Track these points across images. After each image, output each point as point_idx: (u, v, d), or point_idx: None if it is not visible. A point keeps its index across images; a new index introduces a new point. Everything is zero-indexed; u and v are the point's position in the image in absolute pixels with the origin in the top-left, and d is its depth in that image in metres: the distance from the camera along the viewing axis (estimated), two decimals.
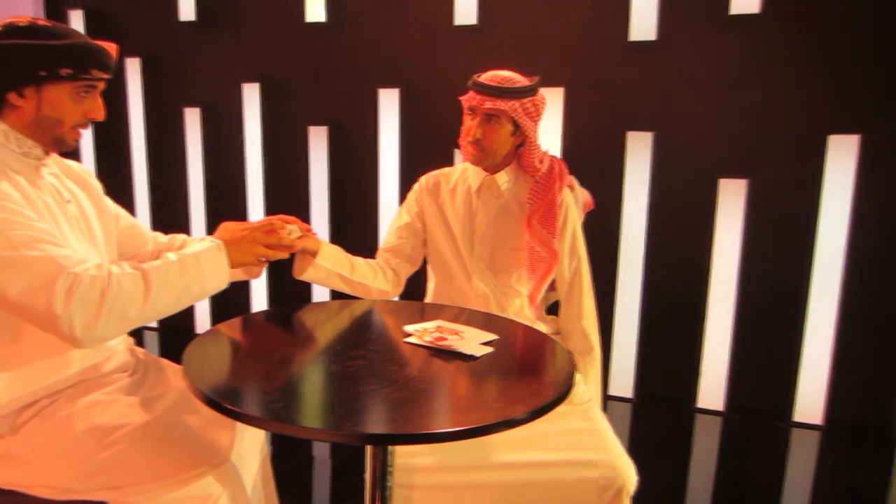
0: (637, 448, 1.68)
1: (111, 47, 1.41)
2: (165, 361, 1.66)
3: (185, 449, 1.37)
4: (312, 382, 1.26)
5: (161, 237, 1.77)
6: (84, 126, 1.43)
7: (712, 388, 2.98)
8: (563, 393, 1.20)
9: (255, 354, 1.44)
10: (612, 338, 3.07)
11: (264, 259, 1.56)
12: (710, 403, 2.99)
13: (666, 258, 2.98)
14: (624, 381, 3.10)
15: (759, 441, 2.79)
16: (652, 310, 3.03)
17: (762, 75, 2.75)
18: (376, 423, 1.07)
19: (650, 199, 2.94)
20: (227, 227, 1.57)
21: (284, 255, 1.62)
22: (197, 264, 1.37)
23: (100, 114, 1.42)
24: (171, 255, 1.36)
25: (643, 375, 3.09)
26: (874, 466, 2.59)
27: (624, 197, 2.96)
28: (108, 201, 1.65)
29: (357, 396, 1.16)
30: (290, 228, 1.65)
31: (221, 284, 1.43)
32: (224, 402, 1.09)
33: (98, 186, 1.62)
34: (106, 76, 1.40)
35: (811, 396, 2.85)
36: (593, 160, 2.94)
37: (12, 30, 1.32)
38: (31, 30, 1.32)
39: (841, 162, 2.68)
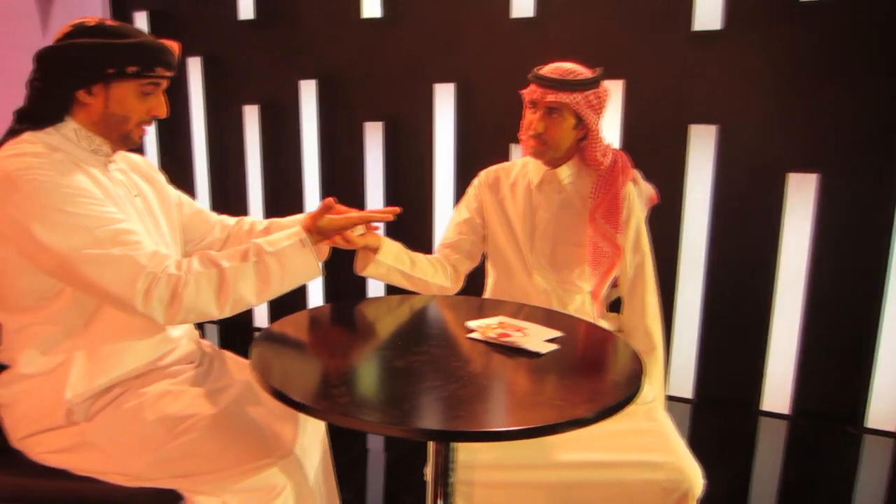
0: (695, 450, 1.63)
1: (174, 46, 1.44)
2: (228, 354, 1.69)
3: (251, 440, 1.39)
4: (377, 377, 1.26)
5: (228, 220, 1.80)
6: (148, 123, 1.46)
7: (778, 390, 2.88)
8: (631, 393, 1.16)
9: (320, 348, 1.45)
10: (672, 337, 2.99)
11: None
12: (776, 406, 2.89)
13: (729, 255, 2.90)
14: (683, 382, 3.02)
15: (829, 447, 2.68)
16: (713, 308, 2.95)
17: (834, 65, 2.64)
18: (442, 419, 1.06)
19: (713, 195, 2.86)
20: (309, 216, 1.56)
21: (350, 246, 1.64)
22: (279, 263, 1.39)
23: (163, 111, 1.46)
24: (252, 255, 1.38)
25: (703, 376, 3.01)
26: None
27: (685, 192, 2.88)
28: (171, 190, 1.69)
29: (422, 392, 1.16)
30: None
31: (309, 278, 1.45)
32: (291, 394, 1.10)
33: (161, 179, 1.66)
34: (169, 74, 1.43)
35: (886, 402, 2.72)
36: (654, 154, 2.87)
37: (82, 29, 1.36)
38: (99, 29, 1.36)
39: None
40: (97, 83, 1.37)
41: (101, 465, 1.37)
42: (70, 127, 1.40)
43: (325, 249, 1.58)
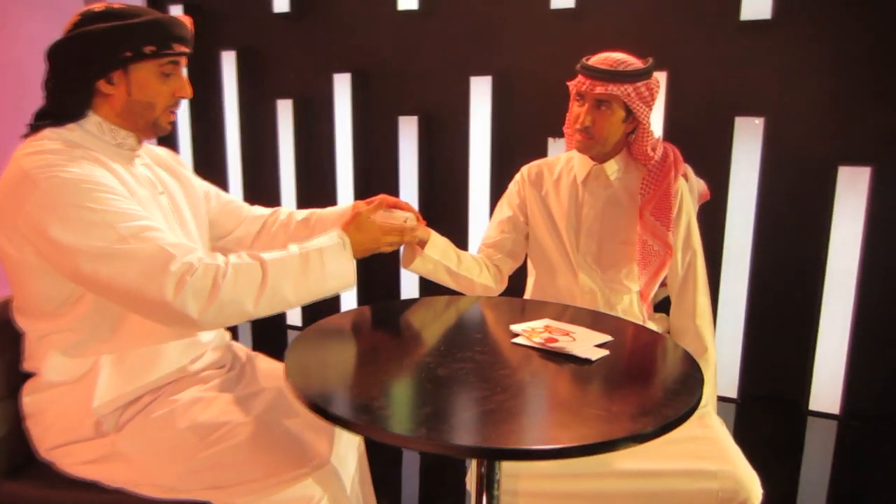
0: (743, 451, 1.55)
1: (186, 19, 1.39)
2: (260, 357, 1.64)
3: (286, 449, 1.34)
4: (420, 388, 1.18)
5: (261, 210, 1.74)
6: (175, 107, 1.41)
7: (827, 390, 2.79)
8: (693, 404, 1.09)
9: (358, 355, 1.38)
10: (716, 334, 2.88)
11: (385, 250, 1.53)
12: (825, 406, 2.80)
13: (775, 251, 2.80)
14: (728, 381, 2.93)
15: (880, 448, 2.61)
16: (759, 305, 2.86)
17: (887, 55, 2.52)
18: (491, 435, 0.99)
19: (759, 189, 2.76)
20: (357, 206, 1.51)
21: (399, 245, 1.57)
22: (320, 261, 1.34)
23: (188, 91, 1.40)
24: (294, 248, 1.34)
25: (748, 375, 2.92)
26: None
27: (730, 186, 2.79)
28: (199, 183, 1.64)
29: (468, 404, 1.09)
30: (407, 216, 1.59)
31: (345, 285, 1.39)
32: (328, 408, 1.04)
33: (188, 173, 1.61)
34: (186, 49, 1.38)
35: None
36: (698, 147, 2.76)
37: (91, 16, 1.31)
38: (108, 14, 1.31)
39: None
40: (116, 69, 1.32)
41: (132, 476, 1.32)
42: (93, 121, 1.35)
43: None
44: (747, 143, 2.74)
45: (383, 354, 1.36)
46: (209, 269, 1.23)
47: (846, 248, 2.67)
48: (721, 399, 2.92)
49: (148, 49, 1.32)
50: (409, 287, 3.45)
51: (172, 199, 1.49)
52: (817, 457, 2.60)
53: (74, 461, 1.35)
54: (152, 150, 1.55)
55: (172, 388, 1.40)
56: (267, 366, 1.60)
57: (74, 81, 1.32)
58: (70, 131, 1.33)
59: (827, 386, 2.79)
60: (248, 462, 1.30)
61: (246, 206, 1.75)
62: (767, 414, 2.86)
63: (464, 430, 0.99)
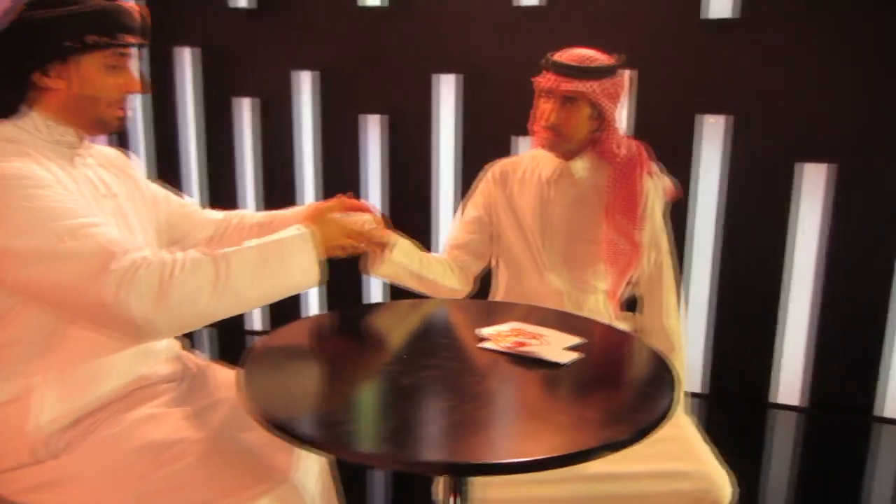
0: (710, 446, 1.55)
1: (134, 9, 1.30)
2: (215, 366, 1.56)
3: (243, 466, 1.26)
4: (384, 400, 1.12)
5: (214, 214, 1.66)
6: (122, 103, 1.31)
7: (790, 383, 2.83)
8: (667, 407, 1.06)
9: (318, 366, 1.31)
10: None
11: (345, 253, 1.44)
12: (788, 399, 2.85)
13: (739, 248, 2.82)
14: (694, 377, 2.94)
15: (842, 438, 2.67)
16: (724, 302, 2.88)
17: (850, 51, 2.55)
18: (460, 449, 0.94)
19: (723, 186, 2.78)
20: (316, 207, 1.44)
21: (364, 250, 1.50)
22: (280, 253, 1.24)
23: (136, 85, 1.31)
24: (251, 241, 1.25)
25: (714, 371, 2.94)
26: None
27: (695, 184, 2.80)
28: (149, 187, 1.55)
29: (435, 416, 1.04)
30: (366, 218, 1.53)
31: (309, 281, 1.29)
32: (286, 425, 0.98)
33: (138, 175, 1.51)
34: (135, 41, 1.28)
35: None
36: (663, 145, 2.75)
37: (29, 3, 1.21)
38: (48, 1, 1.21)
39: None
40: (54, 62, 1.22)
41: (81, 501, 1.23)
42: (31, 118, 1.25)
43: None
44: (711, 141, 2.75)
45: (345, 364, 1.29)
46: (154, 267, 1.12)
47: (808, 244, 2.70)
48: (688, 394, 2.93)
49: (90, 39, 1.22)
50: (374, 291, 3.38)
51: (118, 203, 1.39)
52: (782, 449, 2.64)
53: (17, 489, 1.25)
54: (100, 150, 1.45)
55: (121, 405, 1.31)
56: (223, 375, 1.51)
57: (8, 74, 1.22)
58: (1, 126, 1.23)
59: (790, 379, 2.82)
60: (204, 482, 1.22)
61: (200, 210, 1.67)
62: (733, 408, 2.88)
63: (431, 446, 0.94)
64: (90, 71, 1.25)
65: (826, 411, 2.79)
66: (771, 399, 2.85)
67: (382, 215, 1.65)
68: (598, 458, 0.93)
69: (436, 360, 1.25)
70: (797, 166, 2.66)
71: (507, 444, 0.94)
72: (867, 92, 2.56)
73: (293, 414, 1.05)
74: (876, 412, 2.71)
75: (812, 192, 2.66)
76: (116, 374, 1.32)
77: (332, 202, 1.44)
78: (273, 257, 1.23)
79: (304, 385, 1.22)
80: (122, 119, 1.33)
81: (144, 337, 1.18)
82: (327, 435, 0.96)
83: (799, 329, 2.77)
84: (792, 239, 2.72)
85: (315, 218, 1.39)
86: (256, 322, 3.65)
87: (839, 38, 2.56)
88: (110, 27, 1.24)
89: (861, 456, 2.53)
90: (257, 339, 1.37)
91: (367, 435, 0.97)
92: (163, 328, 1.15)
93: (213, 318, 1.19)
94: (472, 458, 0.90)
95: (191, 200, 1.69)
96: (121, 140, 3.44)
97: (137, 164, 1.56)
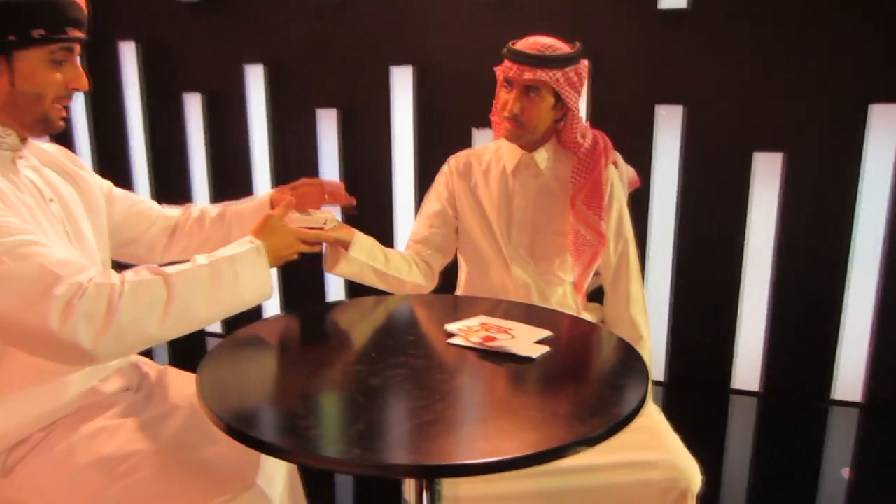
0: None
1: (81, 1, 1.22)
2: (173, 371, 1.49)
3: (204, 476, 1.20)
4: (351, 401, 1.07)
5: (171, 210, 1.60)
6: (67, 100, 1.23)
7: (748, 368, 2.87)
8: (641, 399, 1.04)
9: (281, 368, 1.26)
10: None
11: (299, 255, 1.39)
12: (746, 384, 2.89)
13: (697, 236, 2.85)
14: (655, 364, 2.94)
15: (798, 420, 2.72)
16: (683, 290, 2.90)
17: (801, 42, 2.59)
18: (432, 450, 0.90)
19: (680, 175, 2.79)
20: (268, 216, 1.36)
21: (318, 249, 1.45)
22: (233, 270, 1.19)
23: (82, 82, 1.23)
24: (202, 258, 1.19)
25: (675, 358, 2.97)
26: None
27: (653, 173, 2.81)
28: (99, 183, 1.46)
29: (404, 417, 1.00)
30: (327, 216, 1.49)
31: (262, 295, 1.25)
32: (249, 431, 0.93)
33: (84, 173, 1.42)
34: (82, 35, 1.21)
35: (850, 374, 2.76)
36: (621, 135, 2.76)
37: None
38: None
39: (883, 133, 2.53)
40: None
41: None
42: None
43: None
44: (668, 130, 2.76)
45: (309, 365, 1.24)
46: (102, 290, 1.06)
47: (763, 231, 2.74)
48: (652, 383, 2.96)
49: (36, 33, 1.14)
50: (335, 289, 3.32)
51: (65, 206, 1.31)
52: (742, 433, 2.69)
53: None
54: (41, 148, 1.35)
55: (72, 419, 1.24)
56: (181, 381, 1.45)
57: None
58: None
59: (748, 364, 2.86)
60: (162, 495, 1.16)
61: (156, 206, 1.59)
62: (693, 395, 2.91)
63: (401, 448, 0.90)
64: (35, 66, 1.16)
65: (781, 395, 2.84)
66: (732, 385, 2.89)
67: (348, 207, 1.61)
68: (574, 454, 0.91)
69: (404, 357, 1.21)
70: (750, 155, 2.69)
71: (481, 444, 0.91)
72: (814, 80, 2.59)
73: (254, 419, 1.00)
74: (830, 395, 2.77)
75: (765, 180, 2.69)
76: (66, 388, 1.24)
77: (282, 208, 1.37)
78: (225, 275, 1.18)
79: (265, 389, 1.17)
80: (65, 118, 1.26)
81: (90, 363, 1.12)
82: (292, 441, 0.91)
83: (756, 316, 2.81)
84: (747, 226, 2.75)
85: (267, 225, 1.33)
86: (216, 324, 3.55)
87: (785, 28, 2.59)
88: (58, 21, 1.16)
89: (816, 437, 2.59)
90: (216, 342, 1.30)
91: (333, 439, 0.93)
92: (109, 353, 1.09)
93: (163, 340, 1.15)
94: (445, 459, 0.87)
95: (145, 197, 1.61)
96: (59, 139, 3.29)
97: (82, 160, 1.47)
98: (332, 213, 1.52)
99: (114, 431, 1.23)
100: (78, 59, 1.24)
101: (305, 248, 1.39)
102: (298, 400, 1.07)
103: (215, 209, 1.61)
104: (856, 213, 2.62)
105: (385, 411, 1.02)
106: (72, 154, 1.43)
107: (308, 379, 1.16)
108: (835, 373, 2.76)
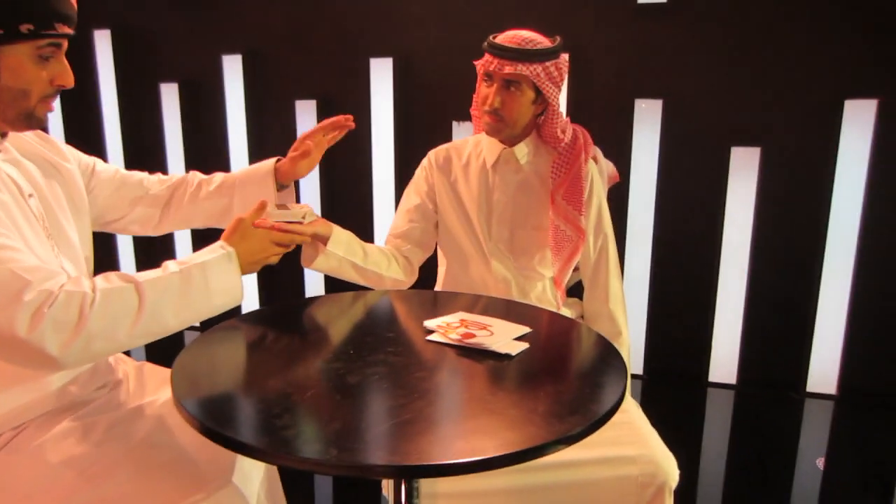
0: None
1: None
2: (150, 366, 1.47)
3: (179, 474, 1.19)
4: (328, 399, 1.06)
5: (163, 180, 1.58)
6: (53, 96, 1.21)
7: (724, 361, 2.90)
8: (620, 396, 1.04)
9: (257, 365, 1.24)
10: None
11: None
12: (723, 377, 2.91)
13: (675, 229, 2.86)
14: (633, 358, 2.96)
15: (774, 413, 2.75)
16: (661, 284, 2.92)
17: (777, 38, 2.61)
18: (411, 450, 0.89)
19: (659, 169, 2.80)
20: (238, 220, 1.33)
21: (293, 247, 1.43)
22: (203, 277, 1.17)
23: (69, 79, 1.21)
24: (172, 265, 1.17)
25: (653, 352, 2.98)
26: (889, 434, 2.57)
27: (632, 167, 2.82)
28: (88, 167, 1.43)
29: (383, 416, 0.99)
30: (305, 210, 1.47)
31: (232, 301, 1.24)
32: (223, 430, 0.91)
33: (67, 163, 1.39)
34: (70, 31, 1.18)
35: (825, 367, 2.79)
36: (600, 129, 2.76)
37: None
38: None
39: (857, 128, 2.57)
40: None
41: None
42: None
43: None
44: (647, 125, 2.77)
45: (286, 362, 1.22)
46: (73, 297, 1.05)
47: (739, 224, 2.76)
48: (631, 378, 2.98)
49: (25, 28, 1.11)
50: (314, 283, 3.29)
51: (45, 201, 1.28)
52: (718, 425, 2.71)
53: None
54: (21, 138, 1.32)
55: (43, 418, 1.22)
56: (159, 376, 1.42)
57: None
58: None
59: (724, 357, 2.89)
60: (136, 495, 1.14)
61: (146, 177, 1.56)
62: (671, 388, 2.93)
63: (378, 448, 0.89)
64: (21, 62, 1.14)
65: (757, 388, 2.87)
66: (709, 379, 2.91)
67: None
68: (553, 452, 0.91)
69: (382, 354, 1.20)
70: (728, 149, 2.71)
71: (459, 443, 0.90)
72: (791, 75, 2.61)
73: (228, 418, 0.99)
74: (804, 388, 2.81)
75: (742, 175, 2.71)
76: (38, 388, 1.22)
77: (254, 210, 1.34)
78: (196, 282, 1.17)
79: (241, 386, 1.15)
80: (49, 113, 1.24)
81: (56, 370, 1.11)
82: (267, 440, 0.90)
83: (733, 309, 2.83)
84: (724, 220, 2.77)
85: (238, 229, 1.30)
86: None
87: (763, 23, 2.60)
88: (47, 16, 1.13)
89: (791, 429, 2.62)
90: (194, 335, 1.28)
91: (310, 439, 0.92)
92: (76, 361, 1.08)
93: (132, 346, 1.14)
94: (422, 459, 0.86)
95: (134, 171, 1.57)
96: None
97: (65, 146, 1.43)
98: (310, 207, 1.50)
99: (86, 430, 1.21)
100: (63, 54, 1.21)
101: (281, 251, 1.36)
102: (274, 398, 1.05)
103: (216, 180, 1.59)
104: (831, 208, 2.64)
105: (362, 410, 1.01)
106: (54, 142, 1.39)
107: (285, 376, 1.14)
108: (809, 365, 2.79)
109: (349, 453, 0.87)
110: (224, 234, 1.29)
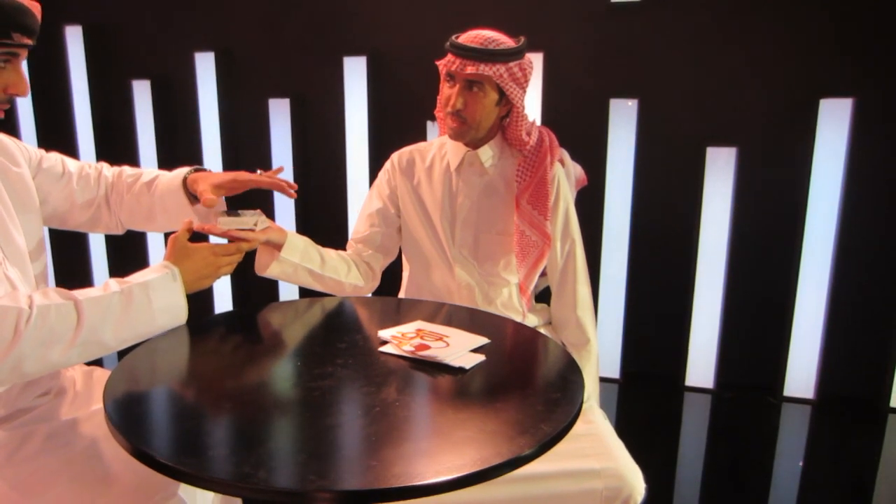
0: (625, 429, 1.52)
1: (34, 6, 1.16)
2: (99, 371, 1.42)
3: (121, 486, 1.15)
4: (264, 417, 1.00)
5: (104, 171, 1.51)
6: (4, 102, 1.18)
7: (701, 365, 2.88)
8: (574, 415, 1.00)
9: (197, 380, 1.17)
10: (597, 316, 2.89)
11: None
12: (700, 381, 2.89)
13: (651, 231, 2.84)
14: (609, 361, 2.95)
15: (751, 417, 2.73)
16: (637, 285, 2.90)
17: (751, 38, 2.59)
18: (348, 474, 0.84)
19: (635, 170, 2.78)
20: (176, 238, 1.28)
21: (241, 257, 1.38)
22: (146, 297, 1.14)
23: (23, 88, 1.17)
24: (114, 284, 1.13)
25: (629, 355, 2.95)
26: (866, 439, 2.55)
27: (607, 167, 2.79)
28: (42, 166, 1.38)
29: (323, 434, 0.94)
30: (257, 219, 1.42)
31: (176, 320, 1.20)
32: (146, 449, 0.86)
33: (16, 170, 1.33)
34: (29, 42, 1.15)
35: (802, 371, 2.78)
36: (574, 129, 2.74)
37: None
38: None
39: (833, 127, 2.55)
40: None
41: None
42: None
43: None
44: (622, 124, 2.74)
45: (227, 374, 1.17)
46: (8, 314, 1.01)
47: (716, 225, 2.74)
48: (603, 380, 2.94)
49: None
50: (290, 289, 3.23)
51: None
52: (694, 429, 2.69)
53: None
54: None
55: None
56: (103, 379, 1.38)
57: None
58: None
59: (701, 361, 2.87)
60: None
61: (94, 171, 1.50)
62: (647, 391, 2.91)
63: (316, 471, 0.83)
64: None
65: (734, 392, 2.85)
66: (686, 382, 2.89)
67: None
68: (499, 476, 0.86)
69: (331, 367, 1.15)
70: (703, 149, 2.68)
71: (397, 467, 0.85)
72: (765, 75, 2.59)
73: (156, 440, 0.93)
74: (782, 392, 2.79)
75: (718, 174, 2.69)
76: None
77: (182, 230, 1.29)
78: (138, 301, 1.14)
79: (174, 401, 1.09)
80: (5, 112, 1.20)
81: None
82: (190, 462, 0.84)
83: (710, 312, 2.81)
84: (700, 220, 2.74)
85: (176, 248, 1.25)
86: None
87: (737, 22, 2.58)
88: (5, 26, 1.10)
89: (768, 434, 2.60)
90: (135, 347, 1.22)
91: (238, 460, 0.85)
92: (4, 380, 1.05)
93: (65, 366, 1.10)
94: (360, 484, 0.81)
95: (82, 163, 1.51)
96: (5, 127, 3.14)
97: (14, 145, 1.38)
98: (262, 212, 1.45)
99: (23, 440, 1.17)
100: (24, 63, 1.19)
101: (231, 262, 1.31)
102: (207, 414, 1.00)
103: (149, 175, 1.52)
104: (807, 209, 2.62)
105: (303, 429, 0.96)
106: (7, 145, 1.34)
107: (223, 390, 1.09)
108: (787, 369, 2.77)
109: (283, 476, 0.82)
110: (166, 255, 1.26)
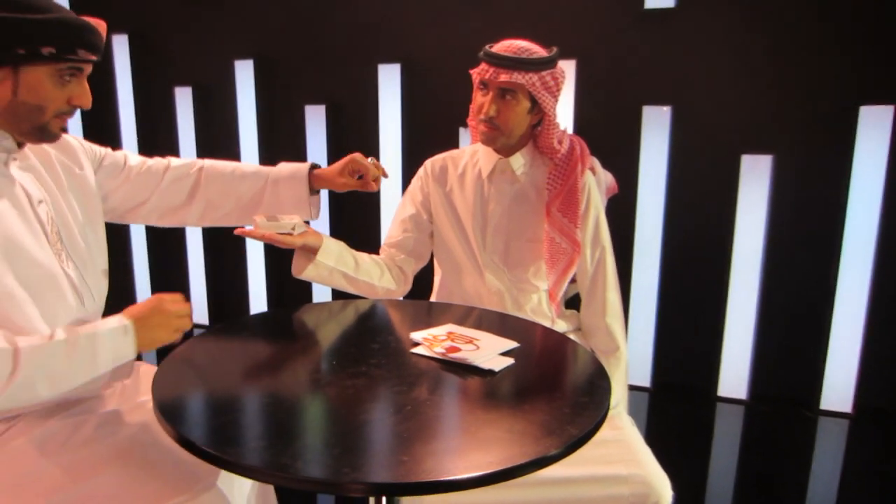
0: (655, 438, 1.51)
1: (100, 25, 1.22)
2: (145, 366, 1.47)
3: (165, 474, 1.19)
4: (302, 411, 1.05)
5: (177, 168, 1.62)
6: (68, 114, 1.24)
7: (734, 376, 2.83)
8: (600, 419, 1.02)
9: (239, 374, 1.22)
10: (628, 323, 2.89)
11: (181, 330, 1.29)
12: (733, 392, 2.85)
13: (684, 239, 2.82)
14: (640, 370, 2.93)
15: (785, 430, 2.67)
16: (670, 294, 2.87)
17: (789, 43, 2.56)
18: (380, 468, 0.88)
19: (668, 177, 2.76)
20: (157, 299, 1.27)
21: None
22: (91, 347, 1.14)
23: (86, 100, 1.23)
24: (60, 332, 1.14)
25: (661, 364, 2.93)
26: None
27: (640, 175, 2.78)
28: (104, 162, 1.48)
29: (357, 429, 0.98)
30: (295, 222, 1.47)
31: (120, 375, 1.20)
32: (194, 439, 0.91)
33: (81, 172, 1.40)
34: (93, 58, 1.21)
35: (840, 384, 2.71)
36: (607, 136, 2.74)
37: None
38: (7, 1, 1.12)
39: (873, 135, 2.50)
40: (3, 66, 1.13)
41: None
42: None
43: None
44: (655, 132, 2.73)
45: (266, 371, 1.22)
46: None
47: (750, 234, 2.70)
48: (635, 388, 2.92)
49: (46, 51, 1.13)
50: (322, 291, 3.28)
51: (58, 207, 1.31)
52: (726, 441, 2.64)
53: None
54: (40, 145, 1.34)
55: (34, 415, 1.22)
56: (152, 375, 1.43)
57: None
58: None
59: (734, 371, 2.83)
60: (121, 493, 1.14)
61: (161, 166, 1.59)
62: (678, 401, 2.88)
63: (349, 464, 0.87)
64: (39, 80, 1.17)
65: (768, 404, 2.80)
66: (718, 393, 2.85)
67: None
68: (526, 474, 0.89)
69: (364, 366, 1.19)
70: (738, 157, 2.66)
71: (432, 462, 0.88)
72: (802, 81, 2.56)
73: (201, 428, 0.98)
74: (818, 405, 2.73)
75: (753, 183, 2.66)
76: None
77: (174, 296, 1.29)
78: (81, 352, 1.13)
79: (218, 396, 1.14)
80: (63, 128, 1.26)
81: None
82: (234, 451, 0.89)
83: (744, 322, 2.77)
84: (735, 229, 2.71)
85: (147, 309, 1.24)
86: (199, 315, 3.53)
87: (773, 28, 2.55)
88: (70, 42, 1.16)
89: (804, 448, 2.55)
90: (205, 329, 1.27)
91: (279, 452, 0.90)
92: None
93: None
94: (392, 477, 0.85)
95: (145, 159, 1.61)
96: None
97: (78, 144, 1.46)
98: (299, 218, 1.50)
99: (75, 428, 1.21)
100: (84, 77, 1.24)
101: (181, 328, 1.27)
102: (249, 409, 1.05)
103: (244, 166, 1.62)
104: (846, 218, 2.58)
105: (336, 425, 1.00)
106: (72, 147, 1.41)
107: (263, 386, 1.14)
108: (824, 382, 2.71)
109: (317, 467, 0.86)
110: (132, 307, 1.25)
